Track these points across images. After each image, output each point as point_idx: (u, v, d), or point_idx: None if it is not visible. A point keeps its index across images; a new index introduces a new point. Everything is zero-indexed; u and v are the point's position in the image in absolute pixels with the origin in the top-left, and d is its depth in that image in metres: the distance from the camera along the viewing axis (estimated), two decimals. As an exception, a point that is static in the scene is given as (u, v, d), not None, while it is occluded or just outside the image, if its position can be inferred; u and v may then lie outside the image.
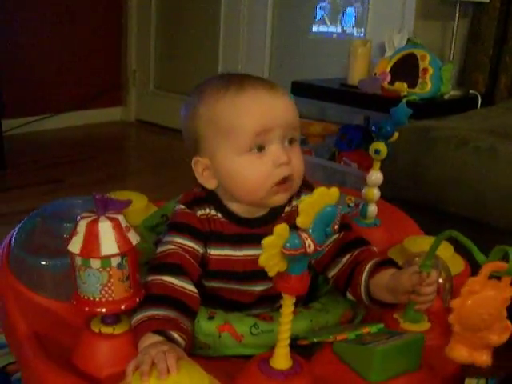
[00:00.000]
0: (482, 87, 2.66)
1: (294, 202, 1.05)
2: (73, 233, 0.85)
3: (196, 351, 0.94)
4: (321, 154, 2.75)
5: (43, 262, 1.03)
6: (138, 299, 0.88)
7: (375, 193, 1.31)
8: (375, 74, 2.47)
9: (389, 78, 2.41)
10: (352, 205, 1.44)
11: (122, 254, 0.84)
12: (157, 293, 0.92)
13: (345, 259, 1.03)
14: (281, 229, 0.73)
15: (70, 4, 3.95)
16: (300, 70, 3.20)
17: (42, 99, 3.92)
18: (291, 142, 1.00)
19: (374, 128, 1.29)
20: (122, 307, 0.86)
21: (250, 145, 0.96)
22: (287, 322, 0.79)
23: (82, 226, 0.84)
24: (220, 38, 3.73)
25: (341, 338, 0.87)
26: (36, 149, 3.60)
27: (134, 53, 4.34)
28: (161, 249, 0.99)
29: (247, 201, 1.01)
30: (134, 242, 0.86)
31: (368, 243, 1.06)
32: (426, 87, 2.31)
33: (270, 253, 0.73)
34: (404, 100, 2.22)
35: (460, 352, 0.79)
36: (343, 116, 2.96)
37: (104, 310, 0.86)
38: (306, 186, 1.06)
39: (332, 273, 1.04)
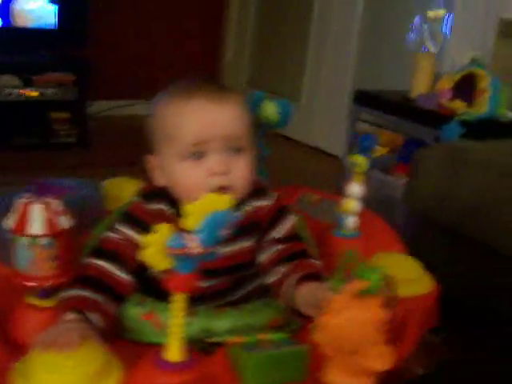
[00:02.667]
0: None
1: (247, 207, 1.07)
2: (12, 210, 0.93)
3: (125, 334, 1.00)
4: (380, 165, 2.73)
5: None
6: (65, 279, 0.95)
7: (354, 205, 1.30)
8: (437, 90, 2.43)
9: (449, 95, 2.36)
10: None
11: (50, 235, 0.92)
12: (87, 275, 0.99)
13: (283, 269, 1.04)
14: (163, 228, 0.78)
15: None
16: (386, 79, 3.17)
17: (135, 85, 4.04)
18: (239, 151, 1.01)
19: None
20: (47, 283, 0.94)
21: (187, 153, 0.99)
22: (177, 316, 0.83)
23: (19, 205, 0.92)
24: (309, 41, 3.76)
25: (236, 340, 0.89)
26: (121, 131, 3.77)
27: (231, 46, 4.43)
28: (104, 234, 1.06)
29: (188, 203, 1.05)
30: (66, 226, 0.93)
31: (311, 256, 1.07)
32: (482, 108, 2.25)
33: (152, 250, 0.78)
34: (457, 118, 2.18)
35: (335, 377, 0.78)
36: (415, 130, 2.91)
37: (30, 283, 0.94)
38: (259, 192, 1.08)
39: (270, 280, 1.06)
